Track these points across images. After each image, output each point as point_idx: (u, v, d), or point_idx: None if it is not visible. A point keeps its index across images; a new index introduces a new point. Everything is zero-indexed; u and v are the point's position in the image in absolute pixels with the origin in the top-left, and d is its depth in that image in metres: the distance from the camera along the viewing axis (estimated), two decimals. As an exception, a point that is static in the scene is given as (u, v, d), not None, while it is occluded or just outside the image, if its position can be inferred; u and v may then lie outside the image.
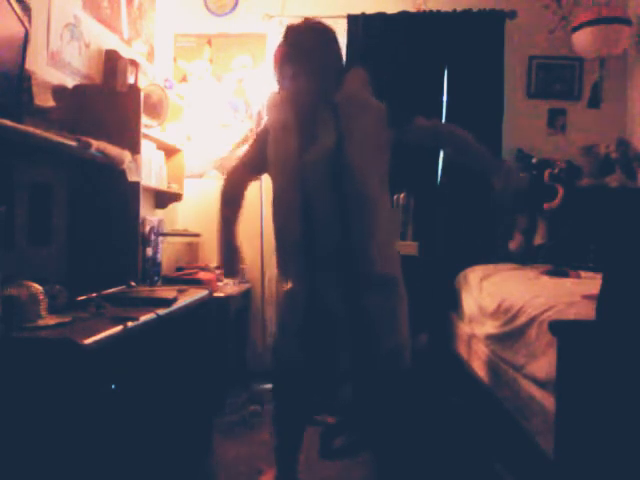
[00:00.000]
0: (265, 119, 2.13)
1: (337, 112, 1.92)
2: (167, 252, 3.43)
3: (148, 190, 3.24)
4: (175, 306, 2.18)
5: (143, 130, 2.86)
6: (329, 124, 1.92)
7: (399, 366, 1.92)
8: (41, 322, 1.68)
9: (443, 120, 3.93)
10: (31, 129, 1.96)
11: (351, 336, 1.89)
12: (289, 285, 2.01)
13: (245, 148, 2.26)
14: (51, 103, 2.48)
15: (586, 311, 1.90)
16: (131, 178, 2.61)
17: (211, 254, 3.95)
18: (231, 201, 2.19)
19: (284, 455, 2.15)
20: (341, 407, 2.72)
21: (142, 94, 2.85)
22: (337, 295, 1.88)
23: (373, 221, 1.91)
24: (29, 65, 2.23)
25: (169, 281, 3.23)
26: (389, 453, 2.08)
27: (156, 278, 3.10)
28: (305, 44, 1.98)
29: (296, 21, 2.11)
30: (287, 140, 1.95)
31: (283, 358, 2.03)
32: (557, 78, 4.00)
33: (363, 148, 1.90)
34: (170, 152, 3.58)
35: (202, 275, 3.39)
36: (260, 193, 3.56)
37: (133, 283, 2.44)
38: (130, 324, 1.78)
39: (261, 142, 2.08)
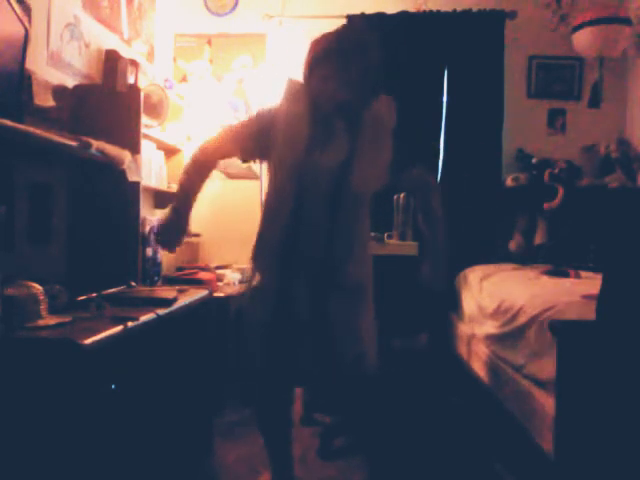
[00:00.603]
0: (277, 103, 1.95)
1: (358, 128, 1.85)
2: (167, 252, 3.43)
3: (148, 190, 3.24)
4: (175, 306, 2.18)
5: (143, 130, 2.86)
6: (345, 136, 1.85)
7: (361, 371, 1.90)
8: (41, 322, 1.68)
9: (443, 120, 3.95)
10: (31, 129, 1.96)
11: (314, 339, 1.87)
12: (259, 279, 1.98)
13: (239, 123, 2.11)
14: (51, 103, 2.48)
15: (586, 311, 1.90)
16: (131, 178, 2.61)
17: (211, 254, 3.95)
18: (201, 172, 2.03)
19: (275, 457, 2.15)
20: (337, 407, 2.72)
21: (142, 94, 2.84)
22: (305, 297, 1.86)
23: (357, 238, 1.91)
24: (29, 65, 2.23)
25: (169, 281, 3.23)
26: (372, 454, 2.09)
27: (156, 278, 3.09)
28: (351, 46, 1.82)
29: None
30: (298, 137, 1.86)
31: (247, 357, 2.01)
32: (557, 78, 4.00)
33: (368, 170, 1.86)
34: (170, 152, 3.58)
35: (202, 275, 3.39)
36: (260, 193, 3.56)
37: (133, 283, 2.44)
38: (130, 324, 1.77)
39: (263, 125, 1.92)
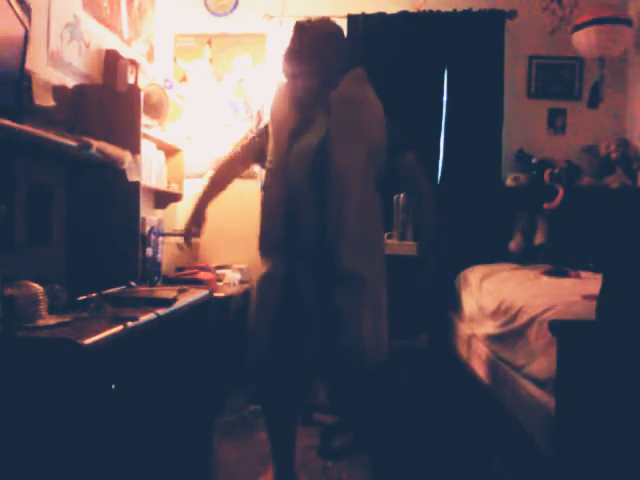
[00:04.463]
0: (268, 112, 2.17)
1: (329, 108, 1.97)
2: (167, 252, 3.43)
3: (148, 190, 3.24)
4: (175, 306, 2.18)
5: (143, 130, 2.86)
6: (321, 122, 1.96)
7: (361, 366, 1.92)
8: (41, 322, 1.68)
9: (443, 120, 3.94)
10: (31, 129, 1.96)
11: (321, 329, 1.91)
12: (267, 267, 2.03)
13: (245, 141, 2.37)
14: (51, 103, 2.48)
15: (586, 311, 1.90)
16: (131, 178, 2.61)
17: (211, 254, 3.95)
18: (218, 185, 2.32)
19: (278, 454, 2.15)
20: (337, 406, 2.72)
21: (142, 94, 2.85)
22: (312, 287, 1.92)
23: (348, 220, 1.92)
24: (29, 65, 2.23)
25: (169, 281, 3.23)
26: (373, 452, 2.09)
27: (156, 278, 3.09)
28: (305, 45, 2.00)
29: (299, 20, 2.11)
30: (282, 133, 2.00)
31: (258, 350, 2.04)
32: (557, 78, 4.00)
33: (349, 146, 1.93)
34: (170, 152, 3.58)
35: (202, 275, 3.40)
36: (260, 194, 3.56)
37: (133, 283, 2.44)
38: (130, 324, 1.78)
39: (262, 135, 2.15)
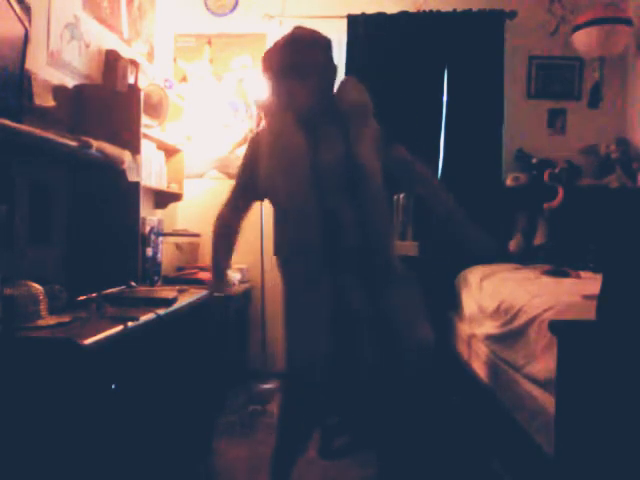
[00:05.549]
0: (261, 126, 2.09)
1: (342, 120, 1.93)
2: (167, 252, 3.43)
3: (148, 190, 3.24)
4: (175, 306, 2.19)
5: (143, 130, 2.86)
6: (334, 132, 1.93)
7: (425, 363, 1.94)
8: (41, 322, 1.68)
9: (443, 120, 3.95)
10: (31, 129, 1.96)
11: (375, 334, 1.88)
12: (300, 280, 1.95)
13: (234, 184, 2.13)
14: (51, 103, 2.48)
15: (586, 311, 1.90)
16: (131, 178, 2.61)
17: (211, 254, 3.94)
18: (224, 238, 2.14)
19: (283, 459, 2.08)
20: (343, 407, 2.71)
21: (142, 94, 2.85)
22: (361, 295, 1.89)
23: (386, 222, 1.98)
24: (29, 65, 2.23)
25: (169, 281, 3.23)
26: (396, 453, 2.07)
27: (156, 278, 3.09)
28: (301, 63, 1.91)
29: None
30: (295, 143, 1.92)
31: (305, 356, 1.94)
32: (557, 78, 4.00)
33: (371, 153, 1.93)
34: (170, 152, 3.58)
35: (202, 275, 3.40)
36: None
37: (133, 283, 2.44)
38: (130, 324, 1.78)
39: (252, 164, 2.01)
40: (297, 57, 1.91)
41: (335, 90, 2.01)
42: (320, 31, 1.99)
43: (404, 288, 1.94)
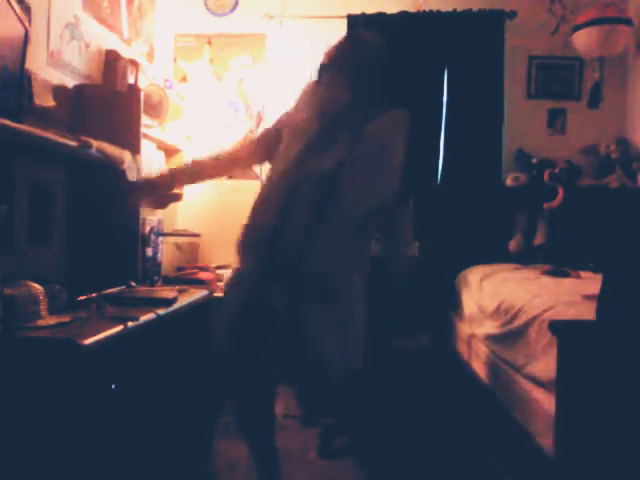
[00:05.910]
0: (293, 104, 2.04)
1: (357, 138, 1.84)
2: (167, 252, 3.43)
3: (148, 190, 3.24)
4: (175, 306, 2.19)
5: (143, 130, 2.86)
6: (343, 145, 1.84)
7: (325, 378, 1.88)
8: (41, 322, 1.68)
9: (443, 120, 3.95)
10: (31, 129, 1.96)
11: (284, 337, 1.84)
12: (242, 267, 1.96)
13: (262, 132, 2.18)
14: (51, 103, 2.48)
15: (586, 311, 1.90)
16: (131, 178, 2.61)
17: (211, 254, 3.95)
18: (216, 164, 2.26)
19: (258, 453, 2.10)
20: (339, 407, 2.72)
21: (142, 94, 2.85)
22: (282, 297, 1.83)
23: (337, 250, 1.83)
24: (29, 65, 2.23)
25: (169, 281, 3.23)
26: (369, 454, 2.09)
27: (156, 278, 3.09)
28: (350, 57, 1.89)
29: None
30: (302, 135, 1.89)
31: (217, 337, 1.98)
32: (557, 78, 4.00)
33: (360, 184, 1.82)
34: (170, 152, 3.58)
35: (202, 275, 3.40)
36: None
37: (133, 283, 2.44)
38: (130, 324, 1.78)
39: (279, 126, 2.03)
40: (349, 51, 1.92)
41: (384, 110, 1.92)
42: (376, 36, 2.00)
43: (338, 312, 1.84)
